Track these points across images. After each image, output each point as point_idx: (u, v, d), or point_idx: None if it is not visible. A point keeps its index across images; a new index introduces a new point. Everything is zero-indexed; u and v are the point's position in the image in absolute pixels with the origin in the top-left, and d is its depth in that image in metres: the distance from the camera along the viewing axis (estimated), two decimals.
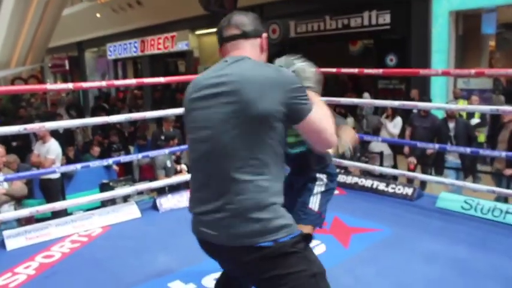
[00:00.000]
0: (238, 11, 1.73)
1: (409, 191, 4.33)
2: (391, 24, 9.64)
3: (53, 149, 5.74)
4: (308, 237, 1.70)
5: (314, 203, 2.48)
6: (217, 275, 2.88)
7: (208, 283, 2.79)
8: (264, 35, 1.74)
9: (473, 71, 3.94)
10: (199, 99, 1.63)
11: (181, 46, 14.46)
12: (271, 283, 1.56)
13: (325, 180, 2.54)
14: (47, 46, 14.27)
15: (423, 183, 5.61)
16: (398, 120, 6.77)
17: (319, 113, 1.59)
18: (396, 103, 4.61)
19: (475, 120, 7.23)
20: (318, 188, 2.53)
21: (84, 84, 4.94)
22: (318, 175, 2.54)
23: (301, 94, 1.56)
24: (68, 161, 6.63)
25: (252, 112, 1.49)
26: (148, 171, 7.15)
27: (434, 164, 6.10)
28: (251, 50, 1.69)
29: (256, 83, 1.52)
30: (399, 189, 4.40)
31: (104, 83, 5.62)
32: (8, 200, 4.57)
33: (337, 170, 2.59)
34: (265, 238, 1.51)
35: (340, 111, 8.16)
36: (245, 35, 1.68)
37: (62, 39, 17.99)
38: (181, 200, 4.36)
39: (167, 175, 5.83)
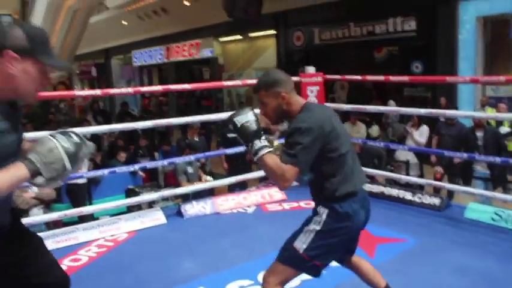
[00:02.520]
0: (23, 23, 1.51)
1: (436, 201, 4.25)
2: (416, 30, 9.52)
3: None
4: None
5: (302, 241, 2.05)
6: (243, 282, 2.89)
7: None
8: (9, 53, 1.41)
9: (502, 77, 3.86)
10: None
11: (205, 53, 14.59)
12: None
13: (324, 216, 2.05)
14: (75, 53, 14.58)
15: (450, 193, 5.51)
16: (425, 129, 6.67)
17: None
18: (422, 111, 4.55)
19: (505, 129, 7.06)
20: (314, 224, 2.06)
21: (112, 91, 5.03)
22: (319, 207, 2.09)
23: None
24: (95, 166, 6.73)
25: None
26: (173, 178, 7.21)
27: (462, 173, 5.98)
28: None
29: None
30: (426, 199, 4.33)
31: (130, 90, 5.70)
32: (37, 203, 4.67)
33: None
34: None
35: (365, 119, 8.09)
36: None
37: (89, 46, 18.35)
38: (206, 206, 4.38)
39: (189, 181, 5.86)
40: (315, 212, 2.11)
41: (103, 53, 20.79)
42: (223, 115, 5.53)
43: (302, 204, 4.38)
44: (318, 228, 2.04)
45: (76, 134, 1.52)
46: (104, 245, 3.70)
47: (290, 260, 2.06)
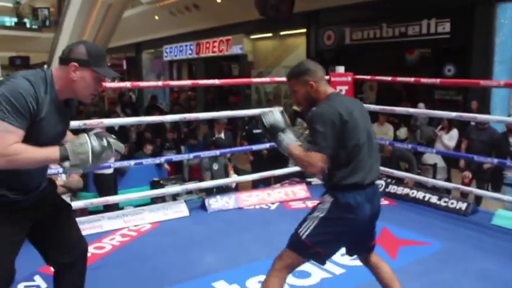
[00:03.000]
0: (87, 42, 2.01)
1: (463, 205, 4.17)
2: (451, 32, 9.32)
3: None
4: None
5: (305, 227, 2.13)
6: (263, 277, 2.89)
7: (253, 285, 2.81)
8: (73, 64, 1.89)
9: None
10: None
11: (235, 50, 14.62)
12: None
13: (327, 205, 2.12)
14: (107, 46, 14.84)
15: (478, 199, 5.38)
16: (455, 133, 6.53)
17: None
18: (453, 114, 4.46)
19: None
20: (319, 211, 2.13)
21: (141, 83, 5.10)
22: (326, 195, 2.17)
23: (2, 101, 1.75)
24: (122, 157, 6.82)
25: None
26: (198, 172, 7.27)
27: (492, 179, 5.84)
28: (58, 71, 1.93)
29: None
30: (452, 203, 4.25)
31: (159, 83, 5.78)
32: (64, 191, 4.78)
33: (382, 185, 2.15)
34: None
35: (394, 121, 7.98)
36: (59, 60, 1.96)
37: (121, 40, 18.63)
38: (229, 201, 4.41)
39: (213, 177, 5.89)
40: (321, 200, 2.18)
41: (134, 46, 21.08)
42: (251, 111, 5.55)
43: None
44: (321, 215, 2.11)
45: (107, 140, 1.95)
46: (127, 234, 3.77)
47: (294, 245, 2.14)
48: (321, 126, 2.02)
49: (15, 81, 1.80)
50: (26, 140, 1.80)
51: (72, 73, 1.90)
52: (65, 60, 1.92)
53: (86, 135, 1.89)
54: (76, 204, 4.10)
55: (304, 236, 2.11)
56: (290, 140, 2.16)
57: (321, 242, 2.10)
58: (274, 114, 2.23)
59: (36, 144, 1.80)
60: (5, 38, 19.61)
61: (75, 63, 1.89)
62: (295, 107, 2.11)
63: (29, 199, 1.98)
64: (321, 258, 2.17)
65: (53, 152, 1.84)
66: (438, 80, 4.61)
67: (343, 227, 2.11)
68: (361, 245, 2.32)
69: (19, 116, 1.77)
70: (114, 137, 2.05)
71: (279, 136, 2.19)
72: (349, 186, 2.08)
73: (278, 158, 6.21)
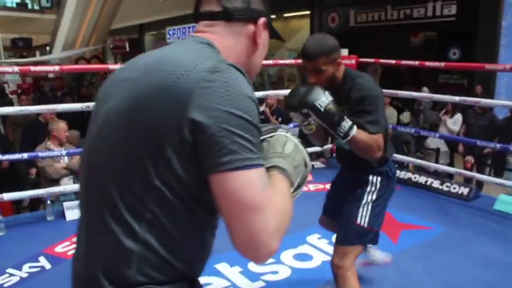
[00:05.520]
0: None
1: (465, 190, 4.17)
2: (456, 15, 9.22)
3: None
4: None
5: (363, 216, 2.03)
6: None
7: (254, 267, 2.83)
8: (262, 20, 1.05)
9: None
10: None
11: None
12: None
13: (378, 185, 2.07)
14: (109, 28, 14.74)
15: (479, 184, 5.38)
16: (459, 117, 6.50)
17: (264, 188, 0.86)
18: (457, 98, 4.43)
19: None
20: (369, 195, 2.06)
21: None
22: (370, 177, 2.08)
23: (240, 130, 0.83)
24: None
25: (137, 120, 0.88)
26: None
27: (494, 164, 5.83)
28: (229, 39, 1.02)
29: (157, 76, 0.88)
30: (454, 188, 4.25)
31: None
32: (67, 173, 4.79)
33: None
34: None
35: (397, 105, 7.95)
36: (226, 15, 1.00)
37: (123, 21, 18.50)
38: None
39: None
40: (364, 182, 2.08)
41: (137, 28, 20.95)
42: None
43: (328, 186, 4.34)
44: (374, 197, 2.06)
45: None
46: None
47: (360, 237, 2.05)
48: (374, 105, 1.88)
49: (228, 77, 0.86)
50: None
51: (259, 35, 1.06)
52: (246, 14, 1.02)
53: (280, 133, 1.05)
54: (78, 187, 4.13)
55: (366, 224, 2.03)
56: (351, 125, 1.82)
57: (377, 221, 2.08)
58: (326, 96, 1.77)
59: None
60: (6, 19, 19.47)
61: (265, 19, 1.07)
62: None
63: None
64: (376, 237, 2.11)
65: (283, 182, 0.98)
66: (443, 64, 4.57)
67: (389, 196, 2.15)
68: None
69: (259, 143, 0.89)
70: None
71: (341, 122, 1.80)
72: (388, 158, 2.12)
73: None
